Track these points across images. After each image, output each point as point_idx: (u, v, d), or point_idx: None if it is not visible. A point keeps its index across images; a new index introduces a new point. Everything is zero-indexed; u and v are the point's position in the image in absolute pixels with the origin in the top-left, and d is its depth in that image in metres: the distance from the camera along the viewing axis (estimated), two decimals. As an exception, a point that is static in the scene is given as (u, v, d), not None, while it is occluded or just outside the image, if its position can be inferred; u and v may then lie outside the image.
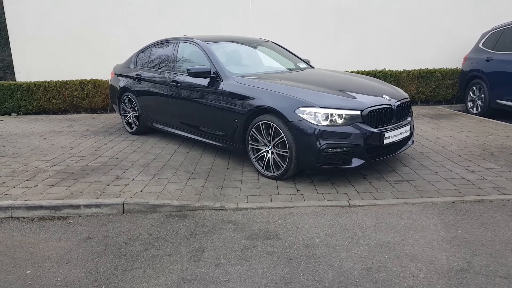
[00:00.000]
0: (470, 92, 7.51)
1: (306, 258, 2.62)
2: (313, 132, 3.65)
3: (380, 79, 8.06)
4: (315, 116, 3.67)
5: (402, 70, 8.40)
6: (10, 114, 8.59)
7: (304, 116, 3.70)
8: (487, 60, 7.06)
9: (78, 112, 8.65)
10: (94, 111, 8.67)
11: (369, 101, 3.87)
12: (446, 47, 8.81)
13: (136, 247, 2.87)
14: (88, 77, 8.54)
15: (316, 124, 3.66)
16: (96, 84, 8.35)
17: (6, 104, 8.42)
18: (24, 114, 8.58)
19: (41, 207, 3.48)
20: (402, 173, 4.16)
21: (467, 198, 3.46)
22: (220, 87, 4.47)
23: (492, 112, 6.98)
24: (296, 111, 3.74)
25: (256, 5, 8.74)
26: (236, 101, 4.28)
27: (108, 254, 2.79)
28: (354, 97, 3.88)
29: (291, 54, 5.78)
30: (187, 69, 4.65)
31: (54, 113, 8.63)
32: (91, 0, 8.70)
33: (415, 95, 8.40)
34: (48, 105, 8.44)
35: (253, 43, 5.65)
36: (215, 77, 4.58)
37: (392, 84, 8.05)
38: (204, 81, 4.68)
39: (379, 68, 8.44)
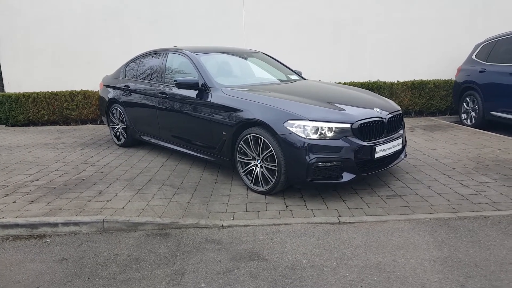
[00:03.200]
0: (464, 104, 7.44)
1: (291, 281, 2.48)
2: (302, 146, 3.53)
3: (373, 90, 8.03)
4: (304, 129, 3.56)
5: (395, 81, 8.34)
6: (-2, 126, 8.42)
7: (293, 129, 3.58)
8: (480, 72, 7.00)
9: (68, 124, 8.50)
10: (84, 122, 8.52)
11: (359, 114, 3.76)
12: (440, 58, 8.77)
13: (113, 269, 2.71)
14: (78, 88, 8.41)
15: (305, 138, 3.54)
16: (86, 95, 8.22)
17: (-6, 115, 8.27)
18: (13, 125, 8.42)
19: (16, 225, 3.32)
20: (394, 188, 4.03)
21: (461, 215, 3.33)
22: (209, 99, 4.36)
23: (486, 123, 6.91)
24: (285, 124, 3.62)
25: (249, 17, 8.69)
26: (225, 114, 4.16)
27: (83, 277, 2.63)
28: (344, 110, 3.77)
29: (282, 66, 5.69)
30: (175, 81, 4.53)
31: (43, 124, 8.48)
32: (83, 11, 8.62)
33: (409, 106, 8.34)
34: (37, 116, 8.29)
35: (243, 54, 5.55)
36: (203, 89, 4.46)
37: (386, 96, 8.02)
38: (192, 93, 4.56)
39: (373, 80, 8.38)
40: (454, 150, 5.43)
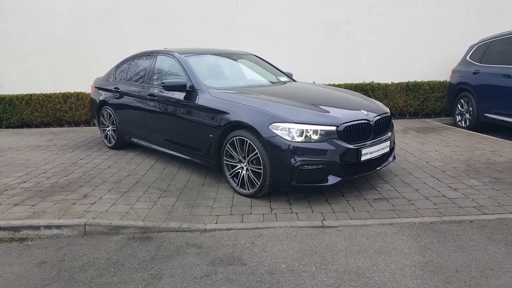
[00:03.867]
0: (459, 105, 7.40)
1: (268, 286, 2.44)
2: (287, 149, 3.50)
3: (368, 92, 8.00)
4: (289, 132, 3.53)
5: (390, 82, 8.31)
6: (-8, 128, 8.42)
7: (278, 132, 3.55)
8: (474, 73, 6.97)
9: (61, 125, 8.49)
10: (77, 124, 8.52)
11: (345, 116, 3.73)
12: (435, 60, 8.73)
13: (91, 273, 2.68)
14: (72, 90, 8.40)
15: (290, 140, 3.51)
16: (79, 97, 8.22)
17: (-13, 117, 8.26)
18: (7, 127, 8.42)
19: (-1, 228, 3.30)
20: (382, 191, 4.00)
21: (446, 219, 3.30)
22: (196, 101, 4.33)
23: (480, 125, 6.87)
24: (270, 127, 3.59)
25: (243, 18, 8.67)
26: (211, 116, 4.13)
27: (60, 280, 2.61)
28: (329, 112, 3.74)
29: (272, 67, 5.66)
30: (162, 83, 4.51)
31: (37, 126, 8.47)
32: (77, 13, 8.61)
33: (404, 108, 8.30)
34: (30, 118, 8.29)
35: (233, 56, 5.53)
36: (191, 91, 4.44)
37: (380, 97, 8.00)
38: (180, 95, 4.54)
39: (367, 81, 8.35)
40: (446, 152, 5.39)
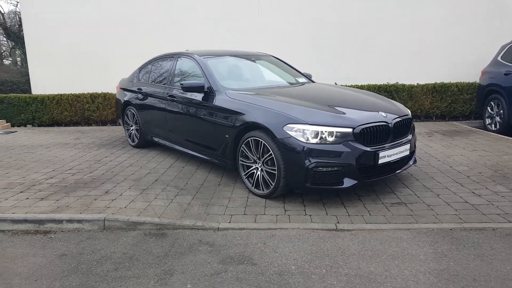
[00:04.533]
0: (488, 108, 7.14)
1: (277, 287, 2.45)
2: (301, 150, 3.49)
3: (392, 93, 7.85)
4: (303, 133, 3.51)
5: (415, 84, 8.11)
6: (25, 126, 8.82)
7: (292, 133, 3.55)
8: (505, 74, 6.70)
9: (89, 124, 8.79)
10: (104, 123, 8.79)
11: (362, 118, 3.67)
12: (463, 60, 8.46)
13: (107, 266, 2.78)
14: (99, 90, 8.68)
15: (305, 142, 3.49)
16: (106, 97, 8.48)
17: (21, 116, 8.66)
18: (38, 125, 8.80)
19: (25, 221, 3.47)
20: (400, 195, 3.92)
21: (467, 225, 3.19)
22: (213, 102, 4.39)
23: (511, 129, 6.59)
24: (284, 128, 3.59)
25: (262, 20, 8.70)
26: (228, 117, 4.18)
27: (78, 273, 2.71)
28: (345, 113, 3.70)
29: (291, 68, 5.65)
30: (181, 84, 4.60)
31: (66, 125, 8.81)
32: (99, 17, 8.93)
33: (430, 110, 8.08)
34: (60, 117, 8.62)
35: (252, 57, 5.56)
36: (209, 92, 4.50)
37: (405, 99, 7.83)
38: (198, 96, 4.61)
39: (391, 82, 8.18)
40: (472, 157, 5.21)
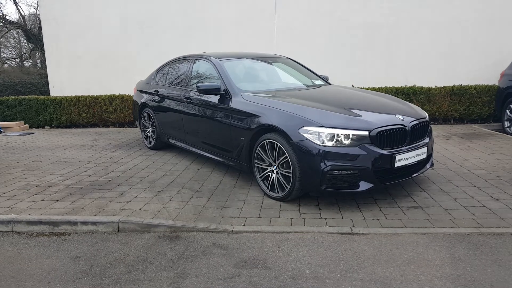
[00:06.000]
0: (507, 111, 6.96)
1: (290, 291, 2.43)
2: (317, 153, 3.46)
3: (409, 95, 7.74)
4: (319, 136, 3.49)
5: (433, 86, 7.97)
6: (43, 127, 8.99)
7: (308, 136, 3.52)
8: (525, 77, 6.53)
9: (107, 126, 8.91)
10: (121, 125, 8.90)
11: (379, 121, 3.62)
12: (482, 63, 8.30)
13: (120, 269, 2.79)
14: (116, 92, 8.80)
15: (321, 145, 3.46)
16: (123, 99, 8.59)
17: (40, 117, 8.84)
18: (56, 127, 8.96)
19: (40, 222, 3.51)
20: (417, 199, 3.84)
21: (485, 230, 3.11)
22: (229, 104, 4.39)
23: (531, 132, 6.42)
24: (300, 131, 3.57)
25: (281, 23, 8.69)
26: (243, 119, 4.17)
27: (91, 275, 2.73)
28: (361, 116, 3.66)
29: (307, 71, 5.62)
30: (197, 86, 4.62)
31: (84, 126, 8.95)
32: (120, 20, 9.06)
33: (448, 112, 7.94)
34: (78, 119, 8.77)
35: (268, 60, 5.55)
36: (225, 94, 4.51)
37: (423, 101, 7.71)
38: (214, 98, 4.62)
39: (409, 85, 8.06)
40: (490, 160, 5.09)
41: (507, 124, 6.99)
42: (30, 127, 8.98)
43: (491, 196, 3.83)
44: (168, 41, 9.01)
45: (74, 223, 3.48)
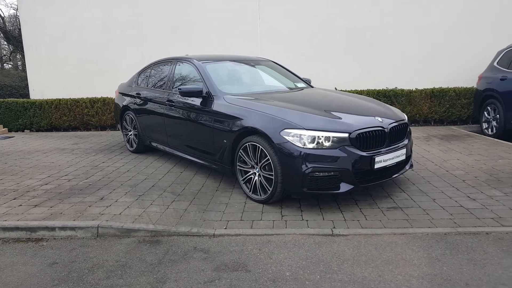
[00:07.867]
0: (485, 113, 7.13)
1: (270, 294, 2.43)
2: (298, 155, 3.48)
3: (391, 98, 7.85)
4: (300, 138, 3.51)
5: (414, 89, 8.11)
6: (23, 131, 8.81)
7: (289, 138, 3.54)
8: (501, 79, 6.71)
9: (88, 130, 8.78)
10: (103, 128, 8.78)
11: (358, 123, 3.67)
12: (461, 66, 8.48)
13: (99, 275, 2.75)
14: (98, 95, 8.68)
15: (302, 147, 3.48)
16: (105, 102, 8.48)
17: (19, 121, 8.66)
18: (37, 130, 8.79)
19: (17, 228, 3.44)
20: (397, 199, 3.90)
21: (461, 230, 3.17)
22: (211, 107, 4.38)
23: (508, 133, 6.58)
24: (281, 133, 3.58)
25: (264, 26, 8.72)
26: (225, 122, 4.17)
27: (68, 281, 2.69)
28: (341, 118, 3.70)
29: (290, 74, 5.65)
30: (179, 89, 4.59)
31: (65, 130, 8.80)
32: (103, 22, 8.95)
33: (428, 114, 8.08)
34: (59, 122, 8.62)
35: (251, 62, 5.56)
36: (207, 97, 4.49)
37: (404, 103, 7.83)
38: (197, 101, 4.61)
39: (391, 87, 8.19)
40: (468, 161, 5.20)
41: (485, 125, 7.16)
42: (9, 130, 8.79)
43: (468, 196, 3.91)
44: (151, 43, 8.94)
45: (52, 229, 3.42)
